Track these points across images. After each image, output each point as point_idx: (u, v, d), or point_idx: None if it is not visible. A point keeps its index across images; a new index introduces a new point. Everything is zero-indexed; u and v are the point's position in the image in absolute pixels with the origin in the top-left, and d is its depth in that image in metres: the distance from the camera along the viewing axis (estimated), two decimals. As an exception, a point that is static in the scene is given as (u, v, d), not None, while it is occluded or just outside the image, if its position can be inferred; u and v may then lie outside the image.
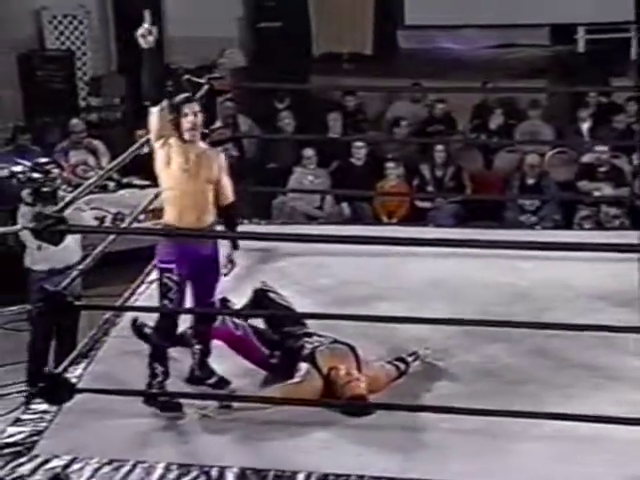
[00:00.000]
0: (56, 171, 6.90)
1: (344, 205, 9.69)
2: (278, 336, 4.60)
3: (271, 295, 4.93)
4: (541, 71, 12.08)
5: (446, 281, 5.47)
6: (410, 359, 4.58)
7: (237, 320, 4.59)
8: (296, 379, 4.31)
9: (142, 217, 7.21)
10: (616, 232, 7.66)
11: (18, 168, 8.49)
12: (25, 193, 6.84)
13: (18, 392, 4.67)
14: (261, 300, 4.94)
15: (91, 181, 4.80)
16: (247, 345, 4.55)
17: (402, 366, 4.53)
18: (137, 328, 4.75)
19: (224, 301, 4.90)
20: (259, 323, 4.74)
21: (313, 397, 4.28)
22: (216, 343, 4.56)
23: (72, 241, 6.34)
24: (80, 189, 4.71)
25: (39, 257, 6.45)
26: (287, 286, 5.37)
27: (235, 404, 4.23)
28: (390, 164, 9.69)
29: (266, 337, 4.60)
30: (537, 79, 11.62)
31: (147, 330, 4.68)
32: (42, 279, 6.30)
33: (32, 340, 6.50)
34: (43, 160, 7.29)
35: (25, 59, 11.60)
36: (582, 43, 12.85)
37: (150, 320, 4.51)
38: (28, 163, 7.78)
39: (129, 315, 4.96)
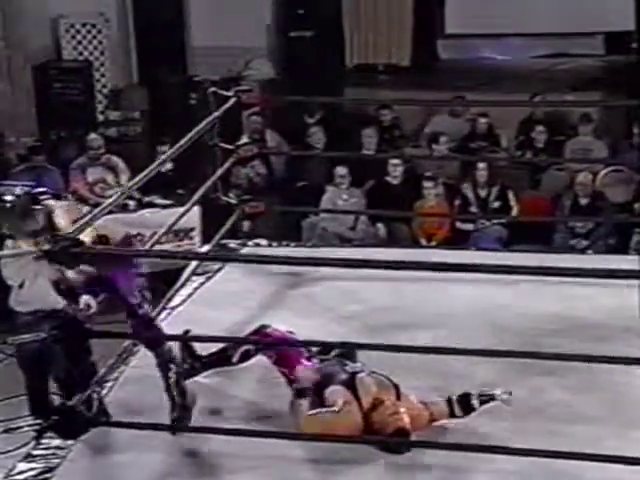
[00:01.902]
0: (51, 202, 6.76)
1: (380, 226, 9.70)
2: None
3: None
4: (594, 83, 12.05)
5: (488, 309, 5.43)
6: (476, 402, 4.36)
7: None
8: (334, 407, 4.23)
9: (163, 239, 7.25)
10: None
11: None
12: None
13: (29, 425, 4.68)
14: None
15: (110, 200, 4.81)
16: (296, 358, 4.54)
17: (458, 411, 4.35)
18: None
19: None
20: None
21: (350, 431, 4.22)
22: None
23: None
24: (98, 209, 4.74)
25: (23, 297, 6.27)
26: (316, 313, 5.38)
27: None
28: (429, 183, 9.69)
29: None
30: (589, 91, 11.60)
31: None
32: (28, 323, 6.09)
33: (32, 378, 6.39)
34: (37, 190, 7.20)
35: (41, 70, 11.71)
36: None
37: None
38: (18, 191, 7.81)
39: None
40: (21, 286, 5.86)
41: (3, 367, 7.39)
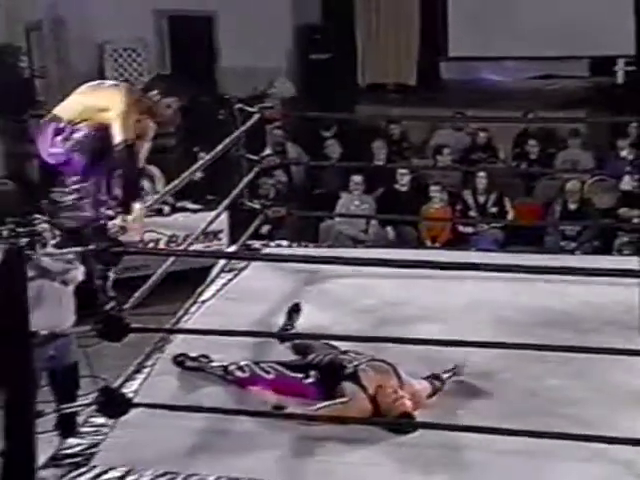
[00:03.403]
0: (44, 226, 6.39)
1: (389, 229, 9.71)
2: (310, 357, 4.57)
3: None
4: (581, 102, 12.04)
5: (488, 303, 5.43)
6: (445, 376, 4.52)
7: (264, 364, 4.55)
8: (344, 398, 4.25)
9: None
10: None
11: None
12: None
13: (79, 405, 4.69)
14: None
15: (148, 204, 4.84)
16: (282, 383, 4.48)
17: (437, 383, 4.46)
18: (178, 362, 4.78)
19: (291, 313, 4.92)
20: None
21: (361, 416, 4.23)
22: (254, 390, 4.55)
23: (66, 300, 6.18)
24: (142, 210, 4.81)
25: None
26: (332, 306, 5.37)
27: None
28: (435, 187, 9.69)
29: (296, 364, 4.54)
30: (577, 109, 11.58)
31: (189, 363, 4.73)
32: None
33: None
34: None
35: (86, 90, 11.72)
36: (621, 75, 12.81)
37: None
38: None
39: (181, 335, 4.99)
40: None
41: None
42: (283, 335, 4.94)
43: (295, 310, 5.19)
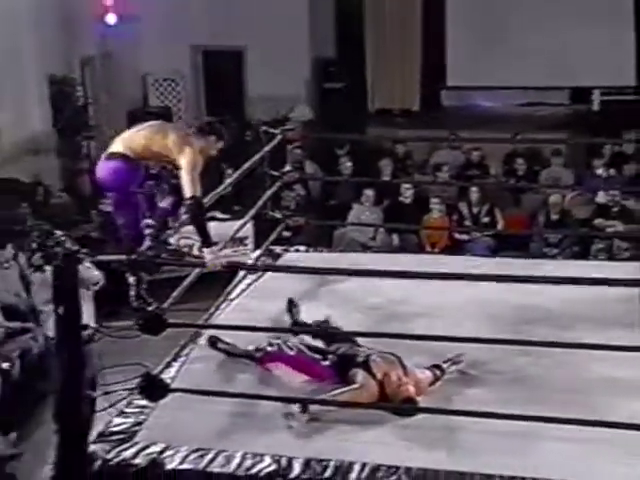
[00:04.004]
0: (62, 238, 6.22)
1: (394, 236, 9.68)
2: (330, 346, 4.57)
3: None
4: (562, 126, 12.03)
5: (480, 302, 5.40)
6: (445, 366, 4.51)
7: (291, 342, 4.57)
8: (356, 385, 4.25)
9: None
10: (625, 263, 7.55)
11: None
12: (36, 257, 6.07)
13: (124, 389, 4.71)
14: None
15: (184, 217, 4.84)
16: (302, 361, 4.51)
17: (438, 372, 4.46)
18: (212, 342, 4.81)
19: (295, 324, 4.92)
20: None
21: (370, 400, 4.23)
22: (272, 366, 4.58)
23: (87, 304, 5.91)
24: (177, 223, 4.83)
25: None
26: (342, 304, 5.35)
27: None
28: (433, 202, 9.67)
29: (318, 349, 4.55)
30: (559, 132, 11.57)
31: (220, 345, 4.76)
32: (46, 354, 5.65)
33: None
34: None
35: (132, 114, 11.78)
36: (597, 103, 12.80)
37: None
38: None
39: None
40: None
41: (100, 344, 7.43)
42: (299, 330, 4.93)
43: (293, 306, 5.18)
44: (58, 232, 6.17)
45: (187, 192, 4.39)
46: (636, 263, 7.20)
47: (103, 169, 4.64)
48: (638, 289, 5.16)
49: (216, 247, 4.46)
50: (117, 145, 4.67)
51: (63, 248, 3.87)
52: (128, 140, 4.67)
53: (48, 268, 5.62)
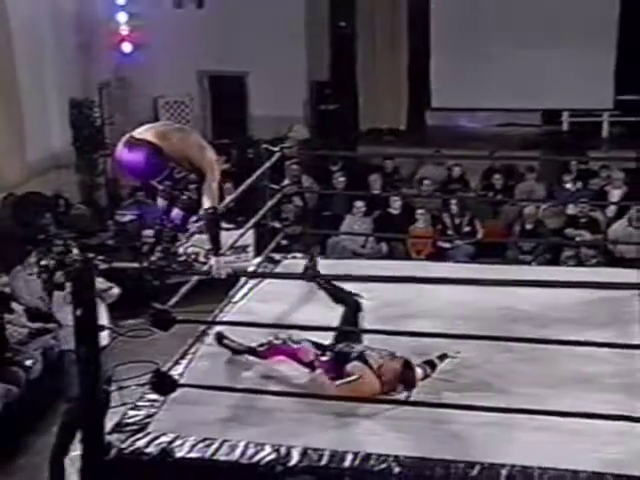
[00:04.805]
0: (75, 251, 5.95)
1: (383, 244, 9.66)
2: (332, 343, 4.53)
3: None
4: (535, 144, 12.05)
5: (465, 304, 5.33)
6: (438, 361, 4.45)
7: (295, 338, 4.53)
8: (355, 376, 4.20)
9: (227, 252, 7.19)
10: (592, 269, 7.56)
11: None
12: (59, 275, 5.77)
13: (136, 385, 4.67)
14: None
15: (195, 226, 4.81)
16: (302, 353, 4.46)
17: (428, 369, 4.40)
18: (218, 338, 4.76)
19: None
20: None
21: (371, 391, 4.18)
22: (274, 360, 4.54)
23: (101, 315, 5.69)
24: (188, 233, 4.80)
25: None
26: (336, 306, 5.31)
27: None
28: (419, 213, 9.65)
29: (318, 343, 4.50)
30: (532, 150, 11.57)
31: (226, 341, 4.70)
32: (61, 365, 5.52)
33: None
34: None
35: (144, 135, 11.73)
36: (566, 124, 12.83)
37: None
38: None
39: (217, 327, 4.96)
40: None
41: (114, 342, 7.39)
42: (296, 326, 4.86)
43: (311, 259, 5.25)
44: (75, 250, 6.00)
45: (208, 202, 4.18)
46: (602, 269, 7.22)
47: (135, 153, 4.11)
48: (606, 292, 5.14)
49: (222, 257, 4.34)
50: (149, 135, 4.18)
51: (81, 255, 3.80)
52: (161, 134, 4.21)
53: (69, 285, 5.54)
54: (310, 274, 5.75)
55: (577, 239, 9.30)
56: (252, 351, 4.63)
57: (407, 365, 4.24)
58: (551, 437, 3.83)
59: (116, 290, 5.90)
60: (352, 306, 4.82)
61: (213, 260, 4.24)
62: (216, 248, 4.23)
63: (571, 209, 9.70)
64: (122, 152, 4.15)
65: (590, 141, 12.05)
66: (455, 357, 4.49)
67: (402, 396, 4.18)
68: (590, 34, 11.96)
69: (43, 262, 6.10)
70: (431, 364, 4.43)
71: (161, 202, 4.43)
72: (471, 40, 12.44)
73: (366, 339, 4.50)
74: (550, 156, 11.64)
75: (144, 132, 4.22)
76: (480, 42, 12.42)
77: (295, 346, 4.48)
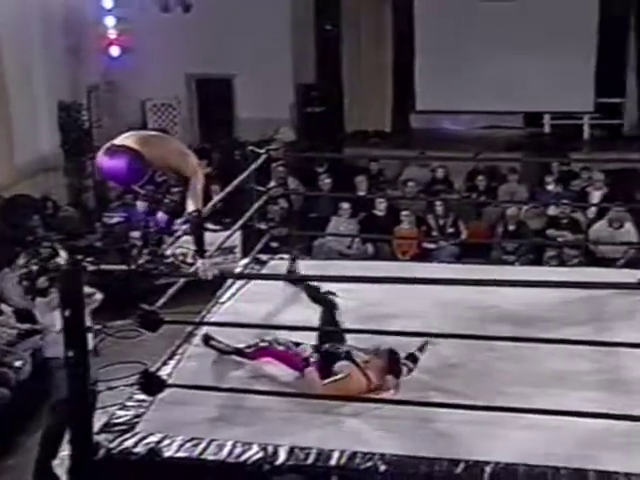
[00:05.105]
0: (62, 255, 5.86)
1: (368, 245, 9.66)
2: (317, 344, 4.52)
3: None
4: (517, 146, 12.07)
5: (448, 303, 5.35)
6: (418, 353, 4.46)
7: (281, 339, 4.53)
8: (342, 374, 4.21)
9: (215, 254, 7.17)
10: (574, 269, 7.59)
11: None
12: (42, 281, 5.69)
13: (125, 385, 4.65)
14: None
15: (182, 228, 4.80)
16: (288, 356, 4.46)
17: (411, 365, 4.41)
18: (205, 339, 4.75)
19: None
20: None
21: (359, 389, 4.19)
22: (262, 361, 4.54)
23: None
24: (175, 235, 4.78)
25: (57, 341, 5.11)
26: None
27: None
28: (404, 215, 9.66)
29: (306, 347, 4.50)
30: (514, 152, 11.60)
31: (213, 342, 4.70)
32: (61, 368, 5.44)
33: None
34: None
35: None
36: (548, 126, 12.88)
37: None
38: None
39: (205, 328, 4.95)
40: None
41: (103, 343, 7.37)
42: (283, 326, 4.86)
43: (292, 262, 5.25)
44: (62, 253, 5.95)
45: (193, 205, 4.22)
46: (584, 268, 7.25)
47: (116, 159, 4.12)
48: (587, 292, 5.17)
49: (208, 260, 4.34)
50: (130, 141, 4.22)
51: (68, 258, 3.78)
52: (142, 141, 4.24)
53: (53, 291, 5.48)
54: (294, 276, 5.75)
55: (559, 239, 9.34)
56: (239, 352, 4.63)
57: (392, 354, 4.25)
58: (534, 435, 3.84)
59: (99, 295, 5.85)
60: (328, 305, 4.83)
61: (199, 262, 4.25)
62: (201, 250, 4.25)
63: (553, 210, 9.74)
64: (103, 159, 4.19)
65: (571, 143, 12.11)
66: (434, 345, 4.49)
67: (391, 390, 4.20)
68: (571, 38, 12.02)
69: (25, 270, 6.03)
70: (412, 357, 4.43)
71: (141, 206, 4.44)
72: (455, 44, 12.47)
73: (350, 338, 4.50)
74: (532, 158, 11.67)
75: (124, 139, 4.26)
76: (463, 46, 12.45)
77: (282, 349, 4.47)
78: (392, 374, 4.24)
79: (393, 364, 4.26)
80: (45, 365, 5.79)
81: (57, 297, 5.40)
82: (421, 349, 4.50)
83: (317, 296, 4.96)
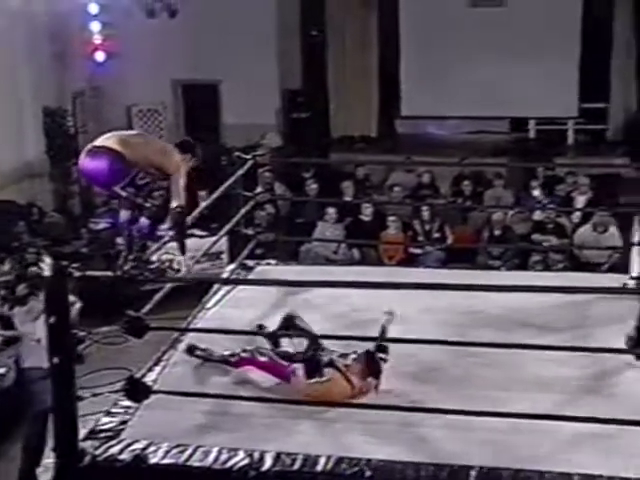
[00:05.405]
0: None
1: (355, 251, 9.68)
2: (298, 352, 4.51)
3: (296, 321, 4.87)
4: (503, 151, 12.14)
5: (434, 309, 5.35)
6: (385, 344, 4.43)
7: (263, 349, 4.52)
8: (324, 378, 4.22)
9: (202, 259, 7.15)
10: (559, 273, 7.62)
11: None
12: (20, 289, 5.64)
13: (110, 392, 4.63)
14: (289, 324, 4.88)
15: (170, 233, 4.78)
16: (271, 366, 4.45)
17: (384, 356, 4.36)
18: (190, 349, 4.73)
19: (260, 327, 4.86)
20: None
21: (343, 395, 4.19)
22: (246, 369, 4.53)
23: None
24: (162, 241, 4.77)
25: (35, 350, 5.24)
26: (312, 312, 5.29)
27: None
28: (390, 220, 9.67)
29: (285, 354, 4.49)
30: (500, 157, 11.66)
31: (198, 352, 4.68)
32: (39, 378, 5.11)
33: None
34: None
35: (117, 141, 11.67)
36: (533, 131, 12.95)
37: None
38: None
39: (190, 334, 4.94)
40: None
41: (88, 350, 7.34)
42: (270, 333, 4.86)
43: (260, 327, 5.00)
44: (47, 259, 5.92)
45: (175, 201, 4.30)
46: (569, 273, 7.28)
47: (97, 160, 4.20)
48: (572, 296, 5.19)
49: (189, 256, 4.38)
50: (111, 142, 4.28)
51: (54, 265, 3.77)
52: (123, 141, 4.30)
53: (32, 299, 5.43)
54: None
55: (544, 244, 9.37)
56: (224, 361, 4.61)
57: (369, 355, 4.28)
58: (518, 439, 3.85)
59: (78, 304, 5.80)
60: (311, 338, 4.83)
61: (181, 258, 4.28)
62: (182, 245, 4.28)
63: (538, 215, 9.78)
64: (84, 161, 4.25)
65: (556, 148, 12.19)
66: (421, 350, 4.47)
67: (373, 390, 4.21)
68: (555, 45, 12.11)
69: (2, 278, 5.97)
70: (382, 348, 4.40)
71: (124, 214, 4.44)
72: (440, 50, 12.53)
73: (332, 344, 4.50)
74: (518, 163, 11.73)
75: (105, 140, 4.31)
76: (449, 52, 12.51)
77: (263, 359, 4.46)
78: (372, 375, 4.25)
79: (371, 365, 4.27)
80: (22, 375, 5.71)
81: (37, 305, 5.39)
82: (382, 335, 4.47)
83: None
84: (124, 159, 4.22)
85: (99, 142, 4.30)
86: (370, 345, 4.39)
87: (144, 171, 4.36)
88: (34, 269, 5.70)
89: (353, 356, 4.33)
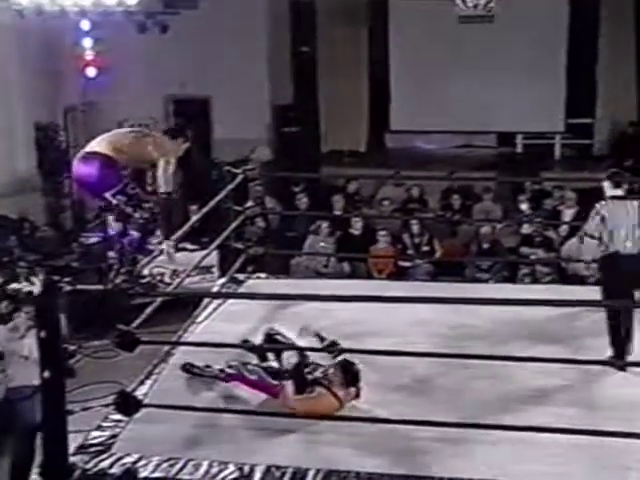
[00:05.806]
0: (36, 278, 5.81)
1: (345, 264, 9.66)
2: (283, 367, 4.50)
3: (277, 337, 4.86)
4: (491, 166, 12.17)
5: (424, 322, 5.37)
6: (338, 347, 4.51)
7: (251, 366, 4.51)
8: (313, 394, 4.23)
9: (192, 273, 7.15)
10: (547, 286, 7.65)
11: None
12: (4, 306, 5.56)
13: (100, 405, 4.61)
14: (270, 340, 4.88)
15: (160, 247, 4.79)
16: (259, 383, 4.45)
17: (344, 360, 4.38)
18: (186, 369, 4.71)
19: (245, 342, 4.85)
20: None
21: (331, 409, 4.20)
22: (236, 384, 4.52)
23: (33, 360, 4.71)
24: (153, 254, 4.78)
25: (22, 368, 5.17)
26: (299, 326, 5.30)
27: None
28: (380, 234, 9.68)
29: (273, 371, 4.49)
30: (488, 171, 11.70)
31: (194, 370, 4.66)
32: (28, 396, 5.09)
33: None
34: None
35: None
36: (520, 146, 13.00)
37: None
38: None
39: (182, 348, 4.93)
40: None
41: (79, 363, 7.30)
42: (258, 346, 4.84)
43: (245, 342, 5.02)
44: (40, 275, 5.91)
45: (163, 188, 4.41)
46: (557, 286, 7.31)
47: (88, 166, 4.36)
48: (560, 309, 5.21)
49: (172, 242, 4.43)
50: (101, 147, 4.44)
51: (45, 279, 3.76)
52: (113, 144, 4.47)
53: (17, 316, 5.40)
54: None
55: (532, 257, 9.40)
56: (215, 376, 4.60)
57: (345, 365, 4.29)
58: (507, 451, 3.86)
59: (63, 321, 5.74)
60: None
61: (165, 244, 4.43)
62: (167, 230, 4.33)
63: (526, 228, 9.81)
64: (76, 167, 4.42)
65: (543, 162, 12.24)
66: (413, 365, 4.49)
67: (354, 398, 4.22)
68: (542, 61, 12.18)
69: None
70: (340, 357, 4.41)
71: (115, 226, 4.50)
72: (429, 65, 12.58)
73: (318, 357, 4.50)
74: (505, 177, 11.77)
75: (96, 145, 4.45)
76: (438, 67, 12.56)
77: (252, 377, 4.44)
78: (351, 383, 4.25)
79: (349, 374, 4.26)
80: (10, 393, 5.62)
81: (22, 323, 5.34)
82: (322, 339, 4.58)
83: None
84: (115, 164, 4.36)
85: (90, 147, 4.44)
86: (343, 356, 4.39)
87: (138, 168, 4.50)
88: (15, 285, 5.65)
89: (331, 370, 4.33)
